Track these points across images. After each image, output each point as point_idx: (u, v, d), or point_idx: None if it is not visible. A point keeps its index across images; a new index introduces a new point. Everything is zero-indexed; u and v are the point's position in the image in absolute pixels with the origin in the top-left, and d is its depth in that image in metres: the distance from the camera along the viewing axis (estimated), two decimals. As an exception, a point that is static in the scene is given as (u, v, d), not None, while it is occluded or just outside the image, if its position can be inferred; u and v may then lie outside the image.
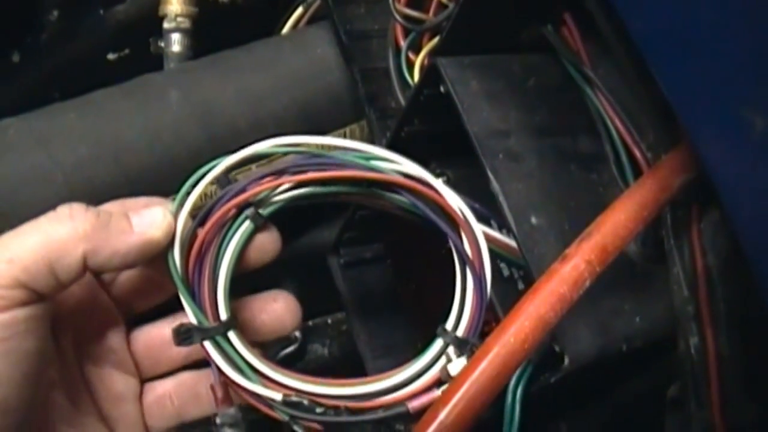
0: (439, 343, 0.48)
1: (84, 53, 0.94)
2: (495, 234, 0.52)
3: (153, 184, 0.67)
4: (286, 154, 0.50)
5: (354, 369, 0.89)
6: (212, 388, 0.49)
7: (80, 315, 0.49)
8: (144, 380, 0.53)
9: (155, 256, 0.47)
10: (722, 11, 0.35)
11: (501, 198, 0.50)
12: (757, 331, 0.50)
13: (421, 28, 0.69)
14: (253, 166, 0.74)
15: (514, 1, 0.55)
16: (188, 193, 0.49)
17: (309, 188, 0.49)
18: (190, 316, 0.47)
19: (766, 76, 0.35)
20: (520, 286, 0.55)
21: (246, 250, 0.50)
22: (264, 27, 0.87)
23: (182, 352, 0.52)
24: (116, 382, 0.51)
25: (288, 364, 0.56)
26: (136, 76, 0.75)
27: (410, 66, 0.70)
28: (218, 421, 0.50)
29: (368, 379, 0.48)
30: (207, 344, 0.47)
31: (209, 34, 0.85)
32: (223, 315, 0.48)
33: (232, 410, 0.49)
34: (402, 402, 0.47)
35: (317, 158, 0.49)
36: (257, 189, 0.48)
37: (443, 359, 0.48)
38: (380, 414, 0.47)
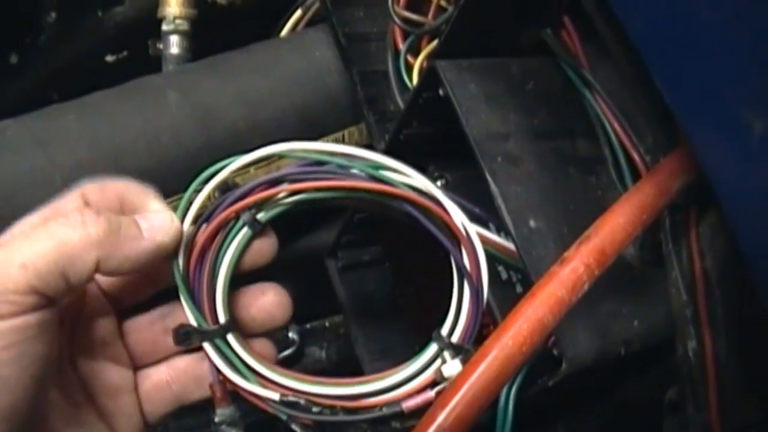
0: (433, 348, 0.49)
1: (82, 55, 0.94)
2: (493, 237, 0.52)
3: (151, 185, 0.67)
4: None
5: (351, 372, 0.89)
6: (211, 387, 0.49)
7: (73, 310, 0.49)
8: (137, 369, 0.53)
9: (163, 260, 0.47)
10: (721, 14, 0.35)
11: (499, 201, 0.50)
12: (755, 334, 0.50)
13: (420, 31, 0.69)
14: (251, 169, 0.74)
15: (513, 4, 0.55)
16: (190, 198, 0.49)
17: (309, 194, 0.49)
18: (190, 318, 0.48)
19: (765, 79, 0.35)
20: (519, 289, 0.55)
21: (243, 253, 0.50)
22: (262, 29, 0.87)
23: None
24: (111, 375, 0.51)
25: (285, 367, 0.56)
26: (135, 78, 0.75)
27: (409, 69, 0.70)
28: (216, 419, 0.50)
29: (363, 378, 0.49)
30: (206, 345, 0.48)
31: (208, 36, 0.85)
32: (222, 318, 0.49)
33: (230, 409, 0.50)
34: (396, 402, 0.48)
35: (320, 166, 0.49)
36: (256, 197, 0.49)
37: (438, 362, 0.49)
38: (375, 413, 0.47)
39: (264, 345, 0.53)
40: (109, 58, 0.94)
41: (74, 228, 0.43)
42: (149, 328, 0.53)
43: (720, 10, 0.35)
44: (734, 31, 0.35)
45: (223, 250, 0.49)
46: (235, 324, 0.50)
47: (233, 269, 0.50)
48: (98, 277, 0.50)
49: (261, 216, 0.49)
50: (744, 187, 0.38)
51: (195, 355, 0.53)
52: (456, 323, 0.49)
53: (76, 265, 0.43)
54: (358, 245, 0.72)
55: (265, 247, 0.52)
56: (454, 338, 0.49)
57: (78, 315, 0.50)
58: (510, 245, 0.52)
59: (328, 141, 0.79)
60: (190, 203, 0.49)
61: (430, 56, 0.68)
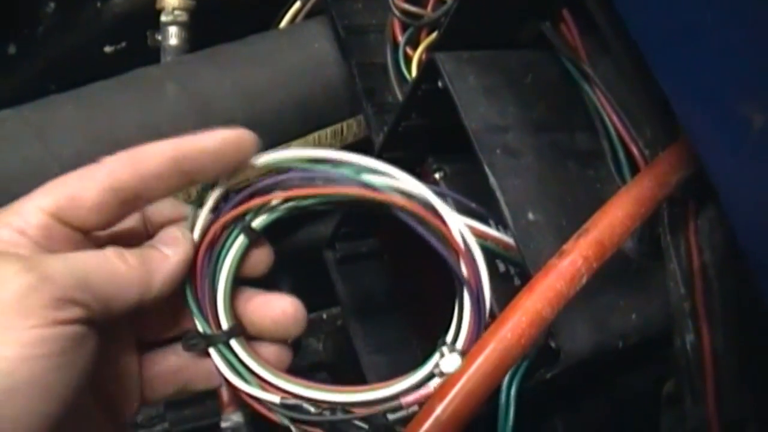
0: (438, 356, 0.49)
1: (81, 46, 0.94)
2: (492, 232, 0.52)
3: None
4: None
5: (349, 364, 0.89)
6: (218, 392, 0.51)
7: None
8: (142, 348, 0.53)
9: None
10: (721, 7, 0.35)
11: (498, 193, 0.50)
12: (753, 328, 0.50)
13: (419, 23, 0.69)
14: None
15: (512, -4, 0.55)
16: (195, 211, 0.50)
17: (301, 201, 0.50)
18: (196, 324, 0.50)
19: (765, 73, 0.35)
20: (517, 282, 0.55)
21: (242, 260, 0.52)
22: (261, 21, 0.87)
23: (185, 324, 0.53)
24: (118, 357, 0.51)
25: (289, 372, 0.57)
26: (133, 69, 0.75)
27: (408, 61, 0.70)
28: (223, 424, 0.51)
29: (368, 387, 0.49)
30: (211, 350, 0.50)
31: (206, 27, 0.85)
32: (224, 324, 0.50)
33: (236, 415, 0.51)
34: (396, 395, 0.48)
35: (315, 173, 0.49)
36: (249, 205, 0.49)
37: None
38: (374, 410, 0.47)
39: (278, 351, 0.53)
40: (108, 49, 0.94)
41: (119, 260, 0.45)
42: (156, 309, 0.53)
43: (720, 3, 0.35)
44: (734, 25, 0.35)
45: (221, 259, 0.51)
46: (246, 330, 0.52)
47: (233, 276, 0.51)
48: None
49: (256, 224, 0.50)
50: (743, 181, 0.38)
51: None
52: (459, 331, 0.49)
53: (122, 296, 0.44)
54: (356, 237, 0.72)
55: (260, 258, 0.53)
56: (459, 345, 0.48)
57: None
58: (508, 240, 0.52)
59: (326, 133, 0.79)
60: (195, 216, 0.50)
61: (429, 48, 0.68)
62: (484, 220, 0.53)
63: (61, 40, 0.94)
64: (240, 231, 0.50)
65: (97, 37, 0.93)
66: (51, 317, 0.40)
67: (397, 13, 0.69)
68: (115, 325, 0.50)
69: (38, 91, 0.74)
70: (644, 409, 0.58)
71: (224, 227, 0.50)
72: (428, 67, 0.53)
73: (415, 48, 0.70)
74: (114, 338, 0.50)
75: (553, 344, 0.48)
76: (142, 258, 0.46)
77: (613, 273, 0.48)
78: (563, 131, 0.56)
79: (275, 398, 0.48)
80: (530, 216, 0.50)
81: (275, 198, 0.49)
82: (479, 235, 0.51)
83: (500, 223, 0.54)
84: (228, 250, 0.50)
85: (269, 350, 0.53)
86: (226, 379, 0.50)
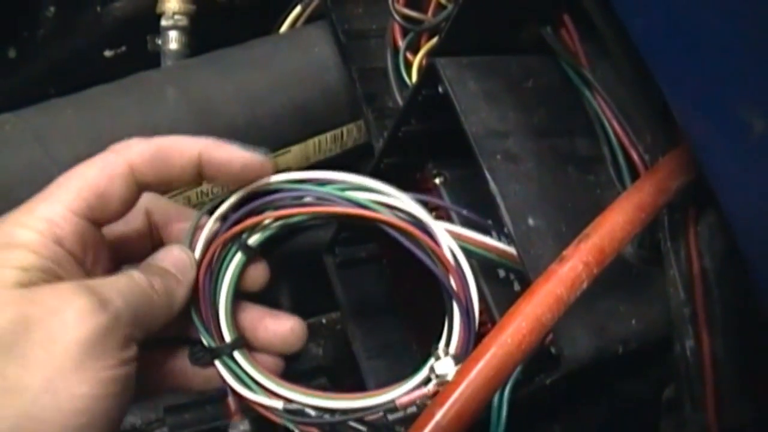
0: (432, 361, 0.50)
1: (81, 50, 0.94)
2: (491, 241, 0.52)
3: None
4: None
5: (348, 368, 0.89)
6: (225, 402, 0.54)
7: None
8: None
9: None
10: (721, 12, 0.35)
11: (498, 199, 0.50)
12: (753, 334, 0.50)
13: (419, 28, 0.69)
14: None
15: (513, 2, 0.55)
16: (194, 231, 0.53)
17: (294, 219, 0.52)
18: (202, 339, 0.52)
19: (765, 78, 0.35)
20: (516, 287, 0.55)
21: (241, 276, 0.55)
22: (262, 25, 0.87)
23: (184, 326, 0.54)
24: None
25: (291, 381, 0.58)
26: (133, 73, 0.75)
27: (408, 66, 0.70)
28: None
29: (367, 393, 0.50)
30: (217, 363, 0.52)
31: (207, 31, 0.85)
32: (228, 337, 0.53)
33: (243, 424, 0.53)
34: (393, 400, 0.49)
35: (305, 192, 0.52)
36: (244, 225, 0.52)
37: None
38: (368, 410, 0.49)
39: (275, 361, 0.56)
40: (108, 53, 0.94)
41: (153, 290, 0.46)
42: None
43: (720, 7, 0.35)
44: (734, 29, 0.35)
45: (222, 275, 0.53)
46: (250, 343, 0.55)
47: (233, 291, 0.53)
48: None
49: (252, 241, 0.53)
50: (743, 186, 0.38)
51: None
52: (450, 341, 0.50)
53: (154, 326, 0.46)
54: (355, 242, 0.72)
55: (258, 273, 0.55)
56: (451, 350, 0.50)
57: None
58: (508, 249, 0.52)
59: (326, 137, 0.79)
60: (194, 236, 0.53)
61: (430, 53, 0.68)
62: (483, 230, 0.53)
63: (61, 44, 0.94)
64: (238, 249, 0.53)
65: (97, 41, 0.93)
66: (122, 357, 0.42)
67: (397, 18, 0.69)
68: None
69: (38, 95, 0.74)
70: (644, 415, 0.57)
71: (222, 246, 0.53)
72: (428, 73, 0.53)
73: (415, 53, 0.70)
74: None
75: (553, 350, 0.48)
76: (164, 285, 0.47)
77: (613, 278, 0.48)
78: (563, 136, 0.56)
79: (279, 404, 0.50)
80: (530, 221, 0.50)
81: (268, 218, 0.52)
82: (479, 246, 0.52)
83: (500, 229, 0.54)
84: (227, 267, 0.53)
85: (266, 360, 0.55)
86: (231, 389, 0.52)
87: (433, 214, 0.53)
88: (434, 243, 0.50)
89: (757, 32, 0.34)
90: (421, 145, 0.59)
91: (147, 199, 0.51)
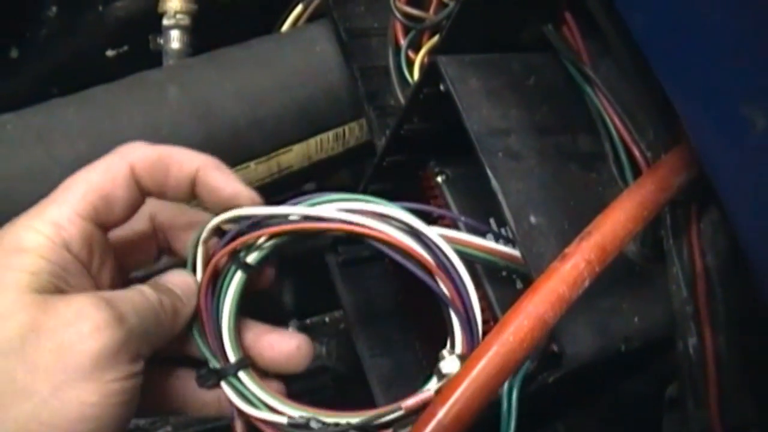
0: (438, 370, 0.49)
1: (83, 49, 0.94)
2: (494, 246, 0.52)
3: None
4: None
5: (351, 367, 0.89)
6: (232, 423, 0.52)
7: None
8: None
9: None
10: (723, 9, 0.35)
11: (500, 196, 0.49)
12: (756, 332, 0.50)
13: (421, 26, 0.69)
14: (252, 164, 0.75)
15: (514, 0, 0.55)
16: (194, 250, 0.53)
17: (286, 237, 0.52)
18: (207, 361, 0.52)
19: (767, 74, 0.34)
20: (518, 285, 0.55)
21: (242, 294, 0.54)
22: (263, 24, 0.87)
23: (185, 348, 0.54)
24: None
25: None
26: (135, 72, 0.75)
27: (410, 64, 0.70)
28: None
29: (371, 409, 0.50)
30: (223, 384, 0.52)
31: (208, 31, 0.85)
32: (232, 358, 0.52)
33: None
34: (397, 406, 0.48)
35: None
36: (238, 243, 0.52)
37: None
38: (378, 420, 0.48)
39: (276, 383, 0.55)
40: (110, 53, 0.94)
41: (161, 307, 0.47)
42: None
43: (721, 4, 0.35)
44: (736, 26, 0.35)
45: (223, 295, 0.53)
46: (255, 362, 0.54)
47: (236, 311, 0.53)
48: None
49: (250, 259, 0.53)
50: (745, 183, 0.37)
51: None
52: (453, 347, 0.50)
53: (159, 343, 0.47)
54: (358, 241, 0.72)
55: (261, 280, 0.55)
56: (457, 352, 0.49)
57: None
58: (511, 251, 0.52)
59: (328, 136, 0.79)
60: (195, 255, 0.53)
61: (431, 51, 0.68)
62: (481, 232, 0.54)
63: (63, 44, 0.94)
64: (237, 268, 0.52)
65: (99, 41, 0.93)
66: (131, 371, 0.43)
67: (399, 16, 0.69)
68: None
69: (40, 95, 0.74)
70: (646, 413, 0.57)
71: (222, 265, 0.53)
72: (430, 71, 0.53)
73: (417, 51, 0.70)
74: None
75: (555, 348, 0.48)
76: (172, 305, 0.48)
77: (615, 276, 0.48)
78: (565, 134, 0.56)
79: (283, 419, 0.50)
80: (532, 219, 0.50)
81: (262, 235, 0.52)
82: (482, 250, 0.52)
83: (501, 227, 0.55)
84: (228, 287, 0.53)
85: (271, 382, 0.54)
86: (238, 409, 0.51)
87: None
88: (428, 253, 0.50)
89: (758, 29, 0.34)
90: (423, 143, 0.59)
91: (151, 203, 0.52)
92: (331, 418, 0.49)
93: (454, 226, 0.55)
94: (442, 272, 0.50)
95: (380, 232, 0.50)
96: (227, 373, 0.51)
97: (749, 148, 0.36)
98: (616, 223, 0.45)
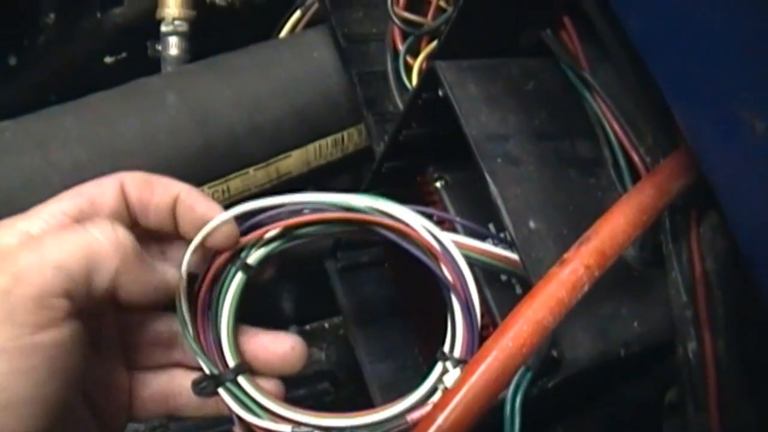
0: (439, 368, 0.50)
1: (81, 56, 0.94)
2: (494, 249, 0.52)
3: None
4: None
5: (351, 373, 0.89)
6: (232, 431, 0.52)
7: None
8: (131, 370, 0.53)
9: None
10: (721, 13, 0.35)
11: (499, 202, 0.49)
12: (756, 336, 0.50)
13: (419, 31, 0.69)
14: (251, 170, 0.75)
15: (512, 5, 0.55)
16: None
17: (291, 236, 0.52)
18: (203, 366, 0.51)
19: (766, 79, 0.34)
20: (518, 290, 0.55)
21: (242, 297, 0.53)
22: (261, 30, 0.87)
23: (176, 355, 0.54)
24: (107, 371, 0.51)
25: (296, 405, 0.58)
26: (133, 79, 0.75)
27: (408, 70, 0.70)
28: None
29: (373, 410, 0.50)
30: (221, 390, 0.51)
31: (207, 37, 0.85)
32: (231, 363, 0.52)
33: None
34: (401, 413, 0.49)
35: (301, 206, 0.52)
36: (244, 241, 0.51)
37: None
38: (382, 428, 0.49)
39: (276, 384, 0.54)
40: (108, 60, 0.94)
41: (104, 233, 0.43)
42: (150, 328, 0.53)
43: (719, 8, 0.35)
44: (734, 30, 0.35)
45: (222, 297, 0.52)
46: (251, 366, 0.53)
47: (235, 315, 0.52)
48: None
49: (251, 260, 0.52)
50: (745, 188, 0.37)
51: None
52: (454, 339, 0.50)
53: (101, 270, 0.42)
54: (357, 246, 0.72)
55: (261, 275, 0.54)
56: (456, 354, 0.49)
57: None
58: (508, 254, 0.52)
59: (327, 142, 0.79)
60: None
61: (430, 57, 0.68)
62: (482, 237, 0.53)
63: (61, 51, 0.94)
64: (237, 269, 0.52)
65: (97, 48, 0.94)
66: (33, 321, 0.38)
67: (397, 21, 0.69)
68: (101, 333, 0.50)
69: (39, 102, 0.74)
70: (646, 418, 0.57)
71: (221, 266, 0.52)
72: (428, 76, 0.53)
73: (415, 56, 0.70)
74: (100, 348, 0.50)
75: (554, 353, 0.48)
76: (135, 248, 0.45)
77: (614, 281, 0.48)
78: (564, 139, 0.56)
79: (287, 428, 0.49)
80: (531, 224, 0.50)
81: (267, 232, 0.51)
82: (482, 254, 0.52)
83: (500, 232, 0.55)
84: (227, 289, 0.52)
85: (268, 384, 0.54)
86: (238, 417, 0.51)
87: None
88: (415, 233, 0.50)
89: (757, 32, 0.34)
90: (421, 149, 0.59)
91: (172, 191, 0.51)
92: (333, 420, 0.49)
93: (453, 230, 0.55)
94: (446, 258, 0.50)
95: (387, 219, 0.51)
96: (225, 379, 0.51)
97: (748, 151, 0.36)
98: (615, 228, 0.45)
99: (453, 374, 0.48)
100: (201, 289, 0.52)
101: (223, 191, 0.74)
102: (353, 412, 0.50)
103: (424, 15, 0.69)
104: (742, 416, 0.50)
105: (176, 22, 0.85)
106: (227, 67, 0.76)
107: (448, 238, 0.50)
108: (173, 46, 0.85)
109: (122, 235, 0.44)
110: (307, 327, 0.93)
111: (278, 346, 0.54)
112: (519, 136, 0.53)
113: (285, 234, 0.52)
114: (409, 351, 0.71)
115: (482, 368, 0.41)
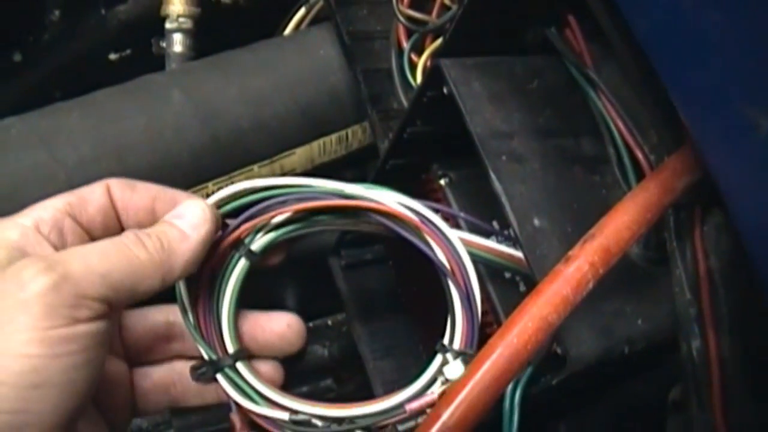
0: (438, 359, 0.50)
1: (86, 53, 0.94)
2: (497, 246, 0.53)
3: (155, 183, 0.67)
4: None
5: (354, 370, 0.89)
6: (231, 418, 0.52)
7: None
8: (132, 365, 0.54)
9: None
10: (726, 11, 0.35)
11: (504, 199, 0.50)
12: (760, 334, 0.50)
13: (424, 29, 0.69)
14: (255, 167, 0.75)
15: (517, 3, 0.55)
16: None
17: (294, 225, 0.52)
18: (201, 352, 0.52)
19: (772, 78, 0.35)
20: (522, 287, 0.55)
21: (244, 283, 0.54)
22: (266, 28, 0.87)
23: (175, 346, 0.55)
24: (108, 366, 0.51)
25: (288, 365, 0.57)
26: (138, 76, 0.75)
27: (413, 67, 0.71)
28: None
29: (372, 401, 0.50)
30: (219, 377, 0.51)
31: (211, 34, 0.85)
32: (230, 348, 0.52)
33: None
34: (400, 404, 0.49)
35: (304, 194, 0.52)
36: (244, 228, 0.52)
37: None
38: (380, 419, 0.49)
39: (275, 368, 0.55)
40: (113, 56, 0.94)
41: (138, 248, 0.46)
42: (150, 324, 0.54)
43: (726, 7, 0.35)
44: (740, 29, 0.35)
45: (224, 283, 0.53)
46: (249, 348, 0.54)
47: (236, 300, 0.53)
48: None
49: (255, 246, 0.52)
50: (749, 186, 0.37)
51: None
52: (454, 330, 0.50)
53: (144, 284, 0.45)
54: (360, 244, 0.72)
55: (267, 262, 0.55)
56: (456, 345, 0.49)
57: None
58: (512, 251, 0.52)
59: (331, 139, 0.79)
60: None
61: (434, 55, 0.68)
62: (489, 236, 0.54)
63: (66, 48, 0.94)
64: (241, 255, 0.52)
65: (102, 45, 0.94)
66: (73, 316, 0.41)
67: (401, 19, 0.69)
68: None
69: (44, 99, 0.74)
70: (650, 416, 0.57)
71: (224, 253, 0.52)
72: (433, 74, 0.53)
73: (420, 54, 0.70)
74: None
75: (559, 350, 0.48)
76: (161, 241, 0.47)
77: (619, 279, 0.48)
78: (569, 137, 0.56)
79: (284, 416, 0.50)
80: (536, 222, 0.50)
81: (270, 218, 0.51)
82: (486, 251, 0.52)
83: (504, 230, 0.55)
84: (230, 275, 0.52)
85: (266, 367, 0.55)
86: (236, 403, 0.51)
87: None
88: (428, 229, 0.50)
89: (762, 31, 0.34)
90: (426, 146, 0.59)
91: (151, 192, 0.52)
92: (331, 410, 0.49)
93: (457, 227, 0.56)
94: (439, 239, 0.50)
95: (389, 206, 0.51)
96: (224, 364, 0.51)
97: (753, 150, 0.36)
98: (619, 225, 0.45)
99: (453, 365, 0.48)
100: (203, 275, 0.52)
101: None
102: (351, 403, 0.50)
103: (429, 13, 0.69)
104: (746, 414, 0.50)
105: (181, 19, 0.84)
106: (232, 65, 0.76)
107: (449, 228, 0.51)
108: (178, 43, 0.85)
109: (153, 249, 0.47)
110: (311, 324, 0.93)
111: (275, 325, 0.55)
112: (523, 134, 0.53)
113: (290, 222, 0.52)
114: (413, 348, 0.71)
115: (487, 365, 0.41)
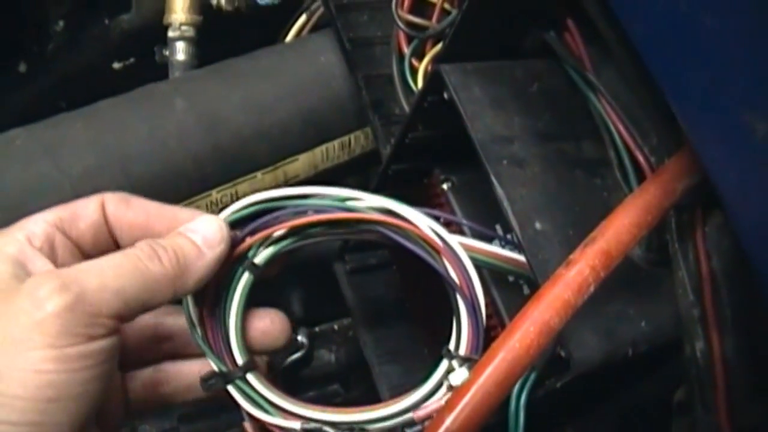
0: (444, 365, 0.50)
1: (90, 63, 0.95)
2: (501, 251, 0.53)
3: (159, 192, 0.67)
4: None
5: (360, 374, 0.89)
6: (244, 427, 0.53)
7: None
8: (123, 368, 0.55)
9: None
10: (723, 16, 0.36)
11: (505, 203, 0.50)
12: (763, 334, 0.50)
13: (424, 34, 0.69)
14: (259, 174, 0.75)
15: (516, 7, 0.55)
16: None
17: (295, 237, 0.53)
18: (211, 364, 0.52)
19: (767, 81, 0.35)
20: (525, 290, 0.55)
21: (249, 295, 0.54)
22: (268, 35, 0.88)
23: (163, 346, 0.56)
24: None
25: (295, 370, 0.58)
26: (142, 85, 0.76)
27: (414, 72, 0.71)
28: None
29: (380, 404, 0.51)
30: (230, 388, 0.52)
31: (214, 42, 0.86)
32: (239, 360, 0.52)
33: None
34: (408, 408, 0.49)
35: (306, 207, 0.52)
36: (249, 242, 0.52)
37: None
38: (389, 424, 0.50)
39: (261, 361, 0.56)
40: (116, 65, 0.95)
41: (153, 262, 0.47)
42: (137, 326, 0.55)
43: (721, 12, 0.35)
44: (736, 33, 0.35)
45: (230, 296, 0.53)
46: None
47: (242, 312, 0.53)
48: None
49: (258, 260, 0.53)
50: (747, 189, 0.38)
51: (186, 361, 0.56)
52: (459, 337, 0.50)
53: (156, 298, 0.47)
54: (365, 249, 0.73)
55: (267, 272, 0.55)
56: (461, 351, 0.50)
57: None
58: (514, 255, 0.52)
59: (334, 145, 0.79)
60: None
61: (435, 60, 0.68)
62: (492, 240, 0.54)
63: (70, 58, 0.94)
64: (244, 269, 0.53)
65: (105, 54, 0.94)
66: (88, 334, 0.43)
67: (401, 25, 0.69)
68: None
69: (48, 108, 0.74)
70: (654, 418, 0.57)
71: (228, 266, 0.52)
72: (434, 79, 0.54)
73: (420, 59, 0.70)
74: None
75: (562, 353, 0.48)
76: (177, 256, 0.48)
77: (621, 281, 0.48)
78: (569, 140, 0.56)
79: (296, 425, 0.50)
80: (537, 225, 0.50)
81: (273, 231, 0.52)
82: (489, 256, 0.52)
83: (506, 233, 0.55)
84: (235, 288, 0.53)
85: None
86: (248, 414, 0.52)
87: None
88: (419, 230, 0.51)
89: (759, 35, 0.34)
90: (428, 151, 0.59)
91: (146, 207, 0.53)
92: (341, 415, 0.50)
93: (460, 232, 0.56)
94: (445, 251, 0.50)
95: (390, 218, 0.51)
96: (234, 376, 0.52)
97: (751, 153, 0.36)
98: (620, 228, 0.45)
99: (458, 372, 0.49)
100: (208, 287, 0.52)
101: (232, 195, 0.74)
102: (360, 407, 0.51)
103: (429, 18, 0.69)
104: (750, 415, 0.50)
105: (183, 28, 0.85)
106: (234, 72, 0.77)
107: (454, 239, 0.51)
108: (181, 52, 0.85)
109: (167, 262, 0.47)
110: (317, 329, 0.93)
111: (258, 323, 0.55)
112: (524, 138, 0.53)
113: (292, 234, 0.53)
114: (418, 352, 0.71)
115: (490, 369, 0.41)
